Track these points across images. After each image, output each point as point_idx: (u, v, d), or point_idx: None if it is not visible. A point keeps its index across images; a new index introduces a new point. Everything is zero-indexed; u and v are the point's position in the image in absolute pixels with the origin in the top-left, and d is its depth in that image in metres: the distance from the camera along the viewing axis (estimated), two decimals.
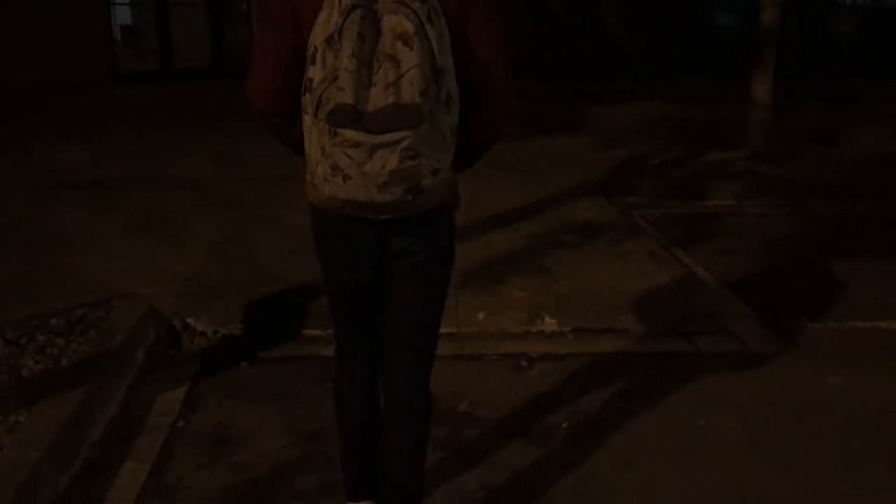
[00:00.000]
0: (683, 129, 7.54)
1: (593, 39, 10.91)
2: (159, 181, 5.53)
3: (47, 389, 2.82)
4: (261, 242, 4.44)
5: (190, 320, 3.60)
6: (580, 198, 5.39)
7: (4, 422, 2.66)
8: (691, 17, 11.22)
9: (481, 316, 3.68)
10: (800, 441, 2.85)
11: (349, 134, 1.75)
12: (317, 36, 1.79)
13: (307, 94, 1.82)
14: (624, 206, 5.39)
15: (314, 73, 1.80)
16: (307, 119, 1.83)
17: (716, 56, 10.05)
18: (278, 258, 4.17)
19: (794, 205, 5.54)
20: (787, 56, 7.29)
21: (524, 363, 3.40)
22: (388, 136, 1.75)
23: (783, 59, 6.72)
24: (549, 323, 3.68)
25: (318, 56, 1.79)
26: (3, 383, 2.92)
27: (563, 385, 3.23)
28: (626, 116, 8.01)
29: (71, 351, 3.16)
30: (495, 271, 4.08)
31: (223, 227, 4.66)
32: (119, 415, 2.98)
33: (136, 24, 17.06)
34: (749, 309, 3.87)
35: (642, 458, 2.75)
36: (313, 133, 1.81)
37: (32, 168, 5.83)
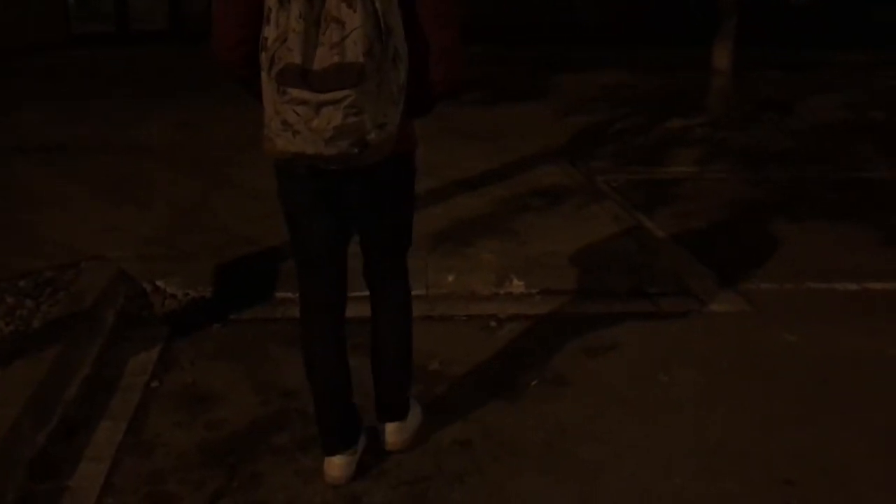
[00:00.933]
0: (645, 97, 7.63)
1: (555, 7, 10.92)
2: (123, 145, 5.46)
3: (20, 350, 2.83)
4: (229, 206, 4.43)
5: (160, 283, 3.60)
6: (545, 163, 5.45)
7: None
8: None
9: (451, 278, 3.75)
10: (757, 394, 2.98)
11: (295, 93, 1.87)
12: None
13: (263, 53, 1.93)
14: (588, 171, 5.47)
15: (269, 32, 1.92)
16: (263, 76, 1.94)
17: (677, 25, 10.16)
18: (247, 221, 4.18)
19: (751, 170, 5.67)
20: (748, 25, 7.39)
21: (493, 324, 3.48)
22: (332, 95, 1.86)
23: (743, 27, 6.82)
24: (517, 284, 3.75)
25: (273, 16, 1.90)
26: None
27: (532, 344, 3.31)
28: (588, 84, 8.07)
29: (41, 313, 3.16)
30: (463, 235, 4.14)
31: (190, 191, 4.64)
32: (93, 375, 2.99)
33: None
34: (708, 270, 3.99)
35: (609, 411, 2.86)
36: (268, 90, 1.94)
37: None
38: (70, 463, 2.52)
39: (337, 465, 2.43)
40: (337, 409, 2.44)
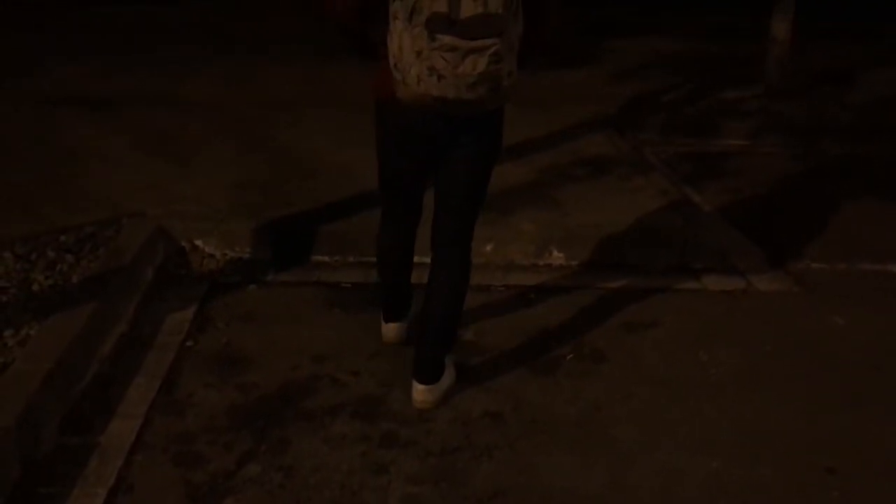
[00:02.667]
0: (699, 65, 7.40)
1: None
2: (167, 101, 5.45)
3: (57, 304, 2.85)
4: (269, 166, 4.40)
5: (198, 242, 3.60)
6: (592, 132, 5.31)
7: (16, 335, 2.70)
8: None
9: (489, 247, 3.68)
10: (801, 378, 2.88)
11: (447, 39, 2.04)
12: None
13: (397, 2, 2.09)
14: (635, 141, 5.33)
15: None
16: (398, 24, 2.10)
17: None
18: (288, 183, 4.15)
19: (806, 145, 5.47)
20: None
21: (531, 295, 3.42)
22: (480, 42, 2.05)
23: None
24: (557, 256, 3.68)
25: None
26: (14, 297, 2.94)
27: (569, 318, 3.25)
28: (639, 50, 7.84)
29: (80, 267, 3.17)
30: (505, 203, 4.05)
31: (231, 150, 4.62)
32: (128, 332, 3.01)
33: None
34: (756, 248, 3.87)
35: (645, 390, 2.79)
36: (405, 38, 2.09)
37: (39, 83, 5.75)
38: (102, 419, 2.54)
39: (392, 328, 2.92)
40: (395, 288, 2.83)
